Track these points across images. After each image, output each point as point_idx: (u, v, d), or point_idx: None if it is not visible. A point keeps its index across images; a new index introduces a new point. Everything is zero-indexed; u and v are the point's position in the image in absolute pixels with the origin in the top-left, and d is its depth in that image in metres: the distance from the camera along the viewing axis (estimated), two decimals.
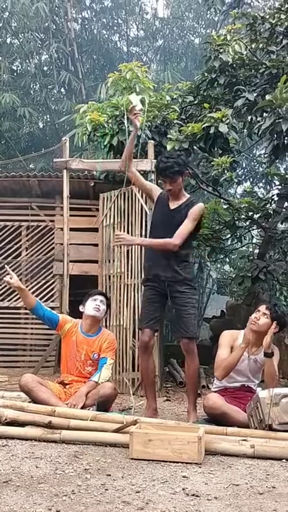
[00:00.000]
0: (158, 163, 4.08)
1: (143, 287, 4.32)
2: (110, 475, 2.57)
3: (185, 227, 3.93)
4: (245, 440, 3.04)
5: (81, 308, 4.14)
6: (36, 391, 3.68)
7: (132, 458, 2.83)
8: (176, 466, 2.75)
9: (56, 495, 2.28)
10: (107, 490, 2.37)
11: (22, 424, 3.29)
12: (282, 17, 5.93)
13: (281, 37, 6.06)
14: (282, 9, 5.97)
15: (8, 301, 6.70)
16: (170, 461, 2.79)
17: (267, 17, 6.07)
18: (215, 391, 3.90)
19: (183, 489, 2.39)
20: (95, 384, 3.84)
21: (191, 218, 3.97)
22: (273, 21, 5.98)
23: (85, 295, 4.22)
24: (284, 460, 2.90)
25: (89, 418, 3.31)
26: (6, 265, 4.27)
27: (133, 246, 5.73)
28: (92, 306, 4.05)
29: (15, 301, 6.67)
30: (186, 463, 2.78)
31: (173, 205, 4.06)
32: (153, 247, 4.02)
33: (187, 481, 2.53)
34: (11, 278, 3.96)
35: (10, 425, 3.28)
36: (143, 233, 5.69)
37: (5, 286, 6.06)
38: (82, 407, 3.67)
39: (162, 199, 4.14)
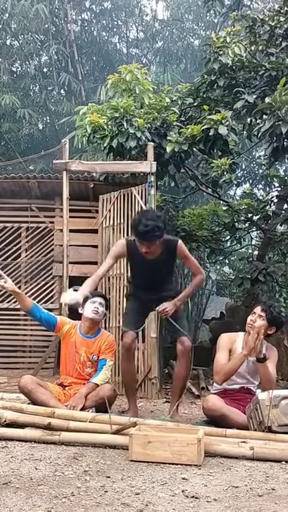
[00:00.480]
0: (137, 224, 3.71)
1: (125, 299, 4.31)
2: (109, 477, 2.57)
3: (192, 260, 4.12)
4: (244, 442, 3.04)
5: (80, 309, 4.14)
6: (35, 393, 3.68)
7: (131, 460, 2.83)
8: (176, 468, 2.75)
9: (56, 497, 2.28)
10: (106, 492, 2.37)
11: (21, 425, 3.29)
12: (282, 19, 5.95)
13: (281, 39, 6.08)
14: (282, 11, 5.99)
15: (8, 302, 6.70)
16: (170, 463, 2.79)
17: (267, 19, 6.08)
18: (214, 393, 3.90)
19: (182, 491, 2.39)
20: (94, 385, 3.83)
21: (187, 253, 4.05)
22: (273, 24, 6.00)
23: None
24: (284, 462, 2.90)
25: (88, 419, 3.30)
26: (1, 270, 4.24)
27: None
28: (90, 309, 4.04)
29: (14, 302, 6.64)
30: (186, 464, 2.78)
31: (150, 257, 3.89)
32: (192, 291, 4.15)
33: (186, 483, 2.53)
34: (5, 282, 3.94)
35: (9, 426, 3.28)
36: None
37: None
38: (81, 409, 3.66)
39: (133, 249, 3.91)
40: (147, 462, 2.81)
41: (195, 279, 4.11)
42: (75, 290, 3.36)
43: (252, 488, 2.47)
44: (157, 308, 3.92)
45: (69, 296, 3.40)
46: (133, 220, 3.89)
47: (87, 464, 2.78)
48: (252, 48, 6.25)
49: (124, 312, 4.36)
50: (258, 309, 3.84)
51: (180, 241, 4.01)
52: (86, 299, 4.10)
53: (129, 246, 3.96)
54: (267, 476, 2.67)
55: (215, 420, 3.63)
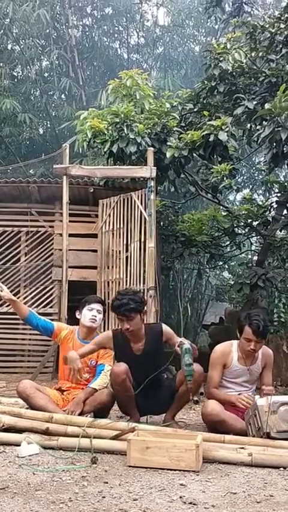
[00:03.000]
0: (113, 301, 3.72)
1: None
2: (107, 483, 2.57)
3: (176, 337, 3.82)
4: (242, 448, 3.03)
5: (77, 315, 4.13)
6: (33, 398, 3.67)
7: (129, 466, 2.83)
8: (174, 473, 2.74)
9: (53, 502, 2.27)
10: (104, 497, 2.36)
11: (20, 430, 3.28)
12: (282, 26, 5.97)
13: (281, 46, 6.09)
14: (282, 18, 6.02)
15: (7, 306, 6.69)
16: (168, 469, 2.79)
17: (267, 26, 6.11)
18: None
19: (180, 497, 2.39)
20: (92, 390, 3.83)
21: (172, 332, 3.84)
22: (273, 30, 6.02)
23: (82, 301, 4.20)
24: (282, 469, 2.89)
25: (85, 424, 3.29)
26: None
27: (133, 254, 5.76)
28: (88, 317, 4.02)
29: None
30: (184, 470, 2.77)
31: (136, 349, 3.73)
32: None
33: (184, 489, 2.52)
34: (1, 290, 3.93)
35: (7, 431, 3.27)
36: (142, 239, 5.71)
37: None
38: (80, 414, 3.65)
39: (119, 340, 3.74)
40: (145, 468, 2.81)
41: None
42: (30, 443, 3.09)
43: (250, 495, 2.46)
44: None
45: (25, 450, 2.99)
46: (112, 299, 3.79)
47: (85, 469, 2.78)
48: (253, 54, 6.28)
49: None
50: (250, 334, 3.68)
51: (163, 325, 3.85)
52: (83, 304, 4.10)
53: (116, 339, 3.76)
54: (266, 483, 2.66)
55: (214, 425, 3.62)
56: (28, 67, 12.69)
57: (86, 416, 3.65)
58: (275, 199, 7.56)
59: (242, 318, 3.77)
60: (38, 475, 2.66)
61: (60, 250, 6.12)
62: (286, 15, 6.00)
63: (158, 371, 3.71)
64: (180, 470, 2.78)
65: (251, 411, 3.37)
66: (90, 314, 4.02)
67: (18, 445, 3.08)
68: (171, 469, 2.78)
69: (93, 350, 3.85)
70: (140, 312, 3.67)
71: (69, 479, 2.62)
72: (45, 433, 3.22)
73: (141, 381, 3.64)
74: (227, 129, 5.63)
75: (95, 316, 4.02)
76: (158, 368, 3.74)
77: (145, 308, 3.79)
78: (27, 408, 3.68)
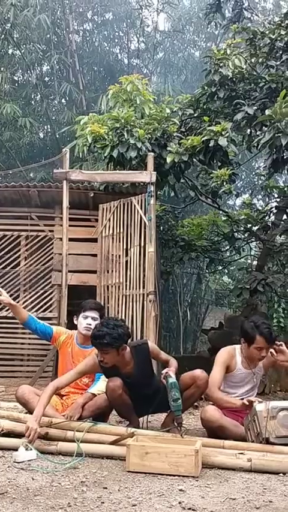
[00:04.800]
0: (93, 329, 3.56)
1: None
2: (106, 488, 2.56)
3: (164, 354, 3.81)
4: (242, 453, 3.03)
5: (75, 320, 4.13)
6: (32, 403, 3.65)
7: (128, 471, 2.83)
8: (173, 479, 2.74)
9: (52, 508, 2.27)
10: (103, 503, 2.36)
11: (19, 435, 3.28)
12: (282, 32, 6.00)
13: (281, 52, 6.13)
14: (282, 24, 6.05)
15: (6, 311, 6.69)
16: (167, 474, 2.78)
17: (267, 32, 6.14)
18: (212, 404, 3.89)
19: (179, 503, 2.38)
20: (91, 395, 3.82)
21: (158, 350, 3.79)
22: (273, 37, 6.05)
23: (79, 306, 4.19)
24: (281, 474, 2.89)
25: (85, 429, 3.29)
26: None
27: (133, 259, 5.77)
28: (83, 325, 4.00)
29: None
30: (183, 476, 2.77)
31: (126, 372, 3.58)
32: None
33: (184, 494, 2.52)
34: (0, 295, 3.93)
35: (6, 436, 3.27)
36: (142, 243, 5.72)
37: None
38: (79, 419, 3.64)
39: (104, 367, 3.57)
40: (145, 473, 2.80)
41: (173, 362, 3.69)
42: (28, 449, 2.99)
43: (249, 501, 2.46)
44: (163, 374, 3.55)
45: (22, 456, 2.97)
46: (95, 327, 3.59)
47: (84, 474, 2.77)
48: (253, 60, 6.31)
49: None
50: (262, 343, 3.67)
51: (149, 343, 3.74)
52: (80, 311, 4.09)
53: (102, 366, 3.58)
54: (265, 489, 2.66)
55: (213, 431, 3.61)
56: (29, 72, 12.74)
57: (85, 421, 3.64)
58: (274, 204, 7.58)
59: (249, 328, 3.72)
60: (36, 480, 2.65)
61: (60, 254, 6.13)
62: (286, 22, 6.03)
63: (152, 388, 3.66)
64: (179, 475, 2.77)
65: (250, 416, 3.36)
66: (85, 322, 4.01)
67: (16, 450, 3.08)
68: (170, 475, 2.78)
69: (75, 378, 3.64)
70: (116, 348, 3.43)
71: (68, 484, 2.61)
72: (45, 437, 3.22)
73: (138, 399, 3.58)
74: (227, 134, 5.65)
75: (90, 325, 3.99)
76: (152, 385, 3.67)
77: (124, 345, 3.49)
78: (26, 413, 3.68)
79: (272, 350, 3.68)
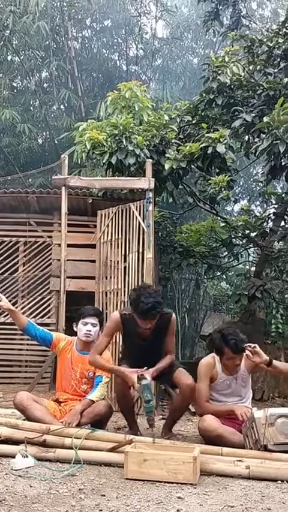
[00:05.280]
0: (137, 303, 3.57)
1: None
2: (104, 495, 2.56)
3: (174, 339, 3.96)
4: (240, 461, 3.02)
5: (74, 327, 4.12)
6: (30, 409, 3.66)
7: (127, 478, 2.82)
8: (171, 486, 2.73)
9: None
10: (101, 510, 2.35)
11: (16, 442, 3.27)
12: (280, 40, 6.05)
13: (279, 59, 6.17)
14: (280, 32, 6.10)
15: (4, 317, 6.68)
16: (165, 482, 2.77)
17: (265, 39, 6.18)
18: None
19: (178, 510, 2.38)
20: (90, 402, 3.81)
21: (174, 330, 3.92)
22: (271, 44, 6.10)
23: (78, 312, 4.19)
24: (280, 482, 2.88)
25: (83, 436, 3.28)
26: None
27: (131, 265, 5.77)
28: (83, 332, 4.00)
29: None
30: (181, 483, 2.76)
31: (144, 336, 3.76)
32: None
33: (182, 502, 2.51)
34: (0, 300, 3.93)
35: (4, 443, 3.26)
36: (140, 250, 5.73)
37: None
38: (77, 426, 3.64)
39: (128, 324, 3.78)
40: (143, 480, 2.79)
41: (168, 358, 3.84)
42: (25, 456, 2.98)
43: (247, 508, 2.45)
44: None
45: (19, 463, 2.96)
46: (132, 298, 3.66)
47: (82, 482, 2.77)
48: (251, 67, 6.35)
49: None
50: (230, 354, 3.66)
51: (174, 315, 3.86)
52: (78, 317, 4.09)
53: (124, 322, 3.79)
54: (263, 496, 2.65)
55: (211, 440, 3.59)
56: (28, 78, 12.78)
57: (84, 428, 3.63)
58: (272, 210, 7.61)
59: (217, 340, 3.69)
60: (34, 488, 2.64)
61: (59, 260, 6.12)
62: (284, 30, 6.08)
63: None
64: (177, 483, 2.77)
65: (248, 423, 3.36)
66: (84, 329, 4.01)
67: (14, 457, 3.07)
68: (168, 482, 2.77)
69: (108, 342, 3.87)
70: (160, 313, 3.66)
71: (66, 491, 2.60)
72: (43, 444, 3.21)
73: (143, 363, 3.68)
74: (225, 141, 5.67)
75: (90, 331, 4.00)
76: (161, 354, 3.82)
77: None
78: (24, 419, 3.67)
79: (248, 353, 3.66)
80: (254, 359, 3.68)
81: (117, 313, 3.87)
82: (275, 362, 3.71)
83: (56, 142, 12.22)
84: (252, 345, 3.67)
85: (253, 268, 8.18)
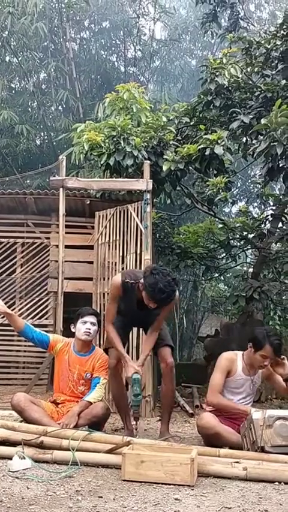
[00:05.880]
0: (153, 289, 3.49)
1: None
2: (101, 497, 2.55)
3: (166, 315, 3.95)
4: (237, 462, 3.02)
5: (72, 328, 4.13)
6: (28, 411, 3.66)
7: (124, 480, 2.81)
8: (168, 488, 2.73)
9: None
10: None
11: (13, 443, 3.26)
12: (278, 42, 6.06)
13: (276, 61, 6.18)
14: (278, 35, 6.10)
15: (2, 317, 6.67)
16: (163, 483, 2.77)
17: (263, 42, 6.19)
18: (209, 411, 3.89)
19: None
20: (87, 403, 3.81)
21: (169, 309, 3.89)
22: (269, 46, 6.11)
23: (76, 313, 4.20)
24: (277, 483, 2.88)
25: (80, 438, 3.28)
26: None
27: (129, 266, 5.77)
28: (82, 331, 4.02)
29: None
30: (179, 485, 2.76)
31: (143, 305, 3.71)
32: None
33: (179, 503, 2.51)
34: None
35: (1, 444, 3.25)
36: (138, 251, 5.73)
37: None
38: (74, 427, 3.64)
39: (128, 292, 3.75)
40: (140, 482, 2.79)
41: (153, 336, 3.83)
42: (22, 458, 2.96)
43: (245, 510, 2.45)
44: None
45: (17, 464, 2.95)
46: (148, 280, 3.52)
47: (80, 483, 2.76)
48: (248, 69, 6.36)
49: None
50: (270, 352, 3.70)
51: (177, 294, 3.78)
52: (77, 317, 4.10)
53: (125, 288, 3.76)
54: (260, 497, 2.65)
55: (209, 438, 3.62)
56: (26, 79, 12.78)
57: (81, 429, 3.63)
58: (270, 212, 7.62)
59: (260, 335, 3.76)
60: (31, 489, 2.64)
61: (56, 261, 6.13)
62: (282, 32, 6.09)
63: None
64: (175, 484, 2.76)
65: (246, 424, 3.36)
66: (84, 327, 4.02)
67: (11, 458, 3.07)
68: (166, 483, 2.77)
69: (116, 308, 3.85)
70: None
71: (63, 493, 2.60)
72: (40, 446, 3.20)
73: (133, 324, 3.96)
74: (223, 143, 5.68)
75: (89, 329, 4.02)
76: (153, 323, 3.82)
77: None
78: (21, 421, 3.66)
79: (284, 360, 3.75)
80: (277, 369, 3.75)
81: (119, 280, 3.78)
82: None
83: (54, 143, 12.23)
84: (282, 356, 3.76)
85: (251, 270, 8.20)
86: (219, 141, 5.66)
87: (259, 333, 3.79)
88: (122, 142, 5.89)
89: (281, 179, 5.75)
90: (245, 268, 9.66)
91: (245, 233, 7.01)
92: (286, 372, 3.76)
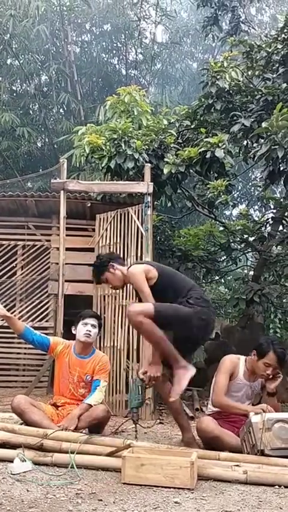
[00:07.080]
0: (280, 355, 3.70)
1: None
2: (101, 500, 2.55)
3: None
4: (237, 465, 3.02)
5: (73, 330, 4.13)
6: (28, 413, 3.66)
7: (124, 483, 2.81)
8: (168, 491, 2.73)
9: None
10: None
11: (13, 446, 3.26)
12: (279, 46, 6.08)
13: (277, 65, 6.20)
14: (279, 38, 6.12)
15: (2, 320, 6.66)
16: (162, 487, 2.77)
17: (264, 45, 6.21)
18: (209, 414, 3.89)
19: None
20: (87, 406, 3.81)
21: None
22: (270, 50, 6.13)
23: (77, 316, 4.21)
24: (277, 487, 2.88)
25: (80, 441, 3.28)
26: None
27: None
28: (83, 332, 4.03)
29: None
30: (179, 488, 2.76)
31: None
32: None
33: (179, 507, 2.51)
34: None
35: (1, 447, 3.25)
36: (139, 254, 5.73)
37: None
38: (74, 430, 3.64)
39: None
40: (140, 485, 2.78)
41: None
42: (23, 460, 2.96)
43: None
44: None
45: (18, 467, 2.95)
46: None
47: (80, 487, 2.76)
48: (249, 73, 6.38)
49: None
50: (273, 360, 3.72)
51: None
52: (78, 319, 4.10)
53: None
54: (260, 501, 2.65)
55: (208, 442, 3.61)
56: (27, 82, 12.82)
57: (81, 432, 3.63)
58: (270, 215, 7.63)
59: (265, 343, 3.78)
60: (31, 492, 2.64)
61: (57, 264, 6.12)
62: (283, 36, 6.11)
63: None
64: (174, 487, 2.76)
65: (245, 428, 3.36)
66: (84, 329, 4.03)
67: (11, 461, 3.06)
68: (165, 487, 2.76)
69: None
70: (103, 271, 3.81)
71: (63, 496, 2.60)
72: (40, 449, 3.20)
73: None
74: (224, 146, 5.69)
75: (90, 331, 4.03)
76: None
77: (110, 263, 3.82)
78: (21, 424, 3.66)
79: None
80: (268, 382, 3.79)
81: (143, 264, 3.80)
82: (274, 399, 3.79)
83: (55, 146, 12.25)
84: (279, 374, 3.79)
85: (251, 273, 8.20)
86: (220, 144, 5.67)
87: (264, 342, 3.81)
88: (123, 145, 5.90)
89: (282, 182, 5.76)
90: (245, 271, 9.67)
91: (245, 236, 7.01)
92: (272, 388, 3.78)
